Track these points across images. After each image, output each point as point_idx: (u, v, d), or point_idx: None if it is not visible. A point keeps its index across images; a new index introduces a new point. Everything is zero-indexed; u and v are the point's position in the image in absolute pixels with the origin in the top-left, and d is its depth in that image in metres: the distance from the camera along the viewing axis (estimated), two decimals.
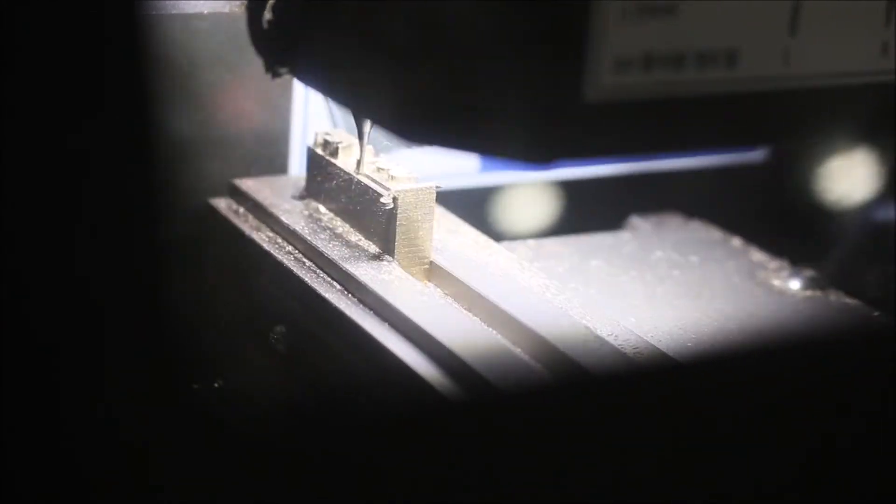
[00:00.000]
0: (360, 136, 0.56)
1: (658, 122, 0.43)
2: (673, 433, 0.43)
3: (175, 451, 0.38)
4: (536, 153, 0.43)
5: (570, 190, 0.73)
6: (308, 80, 0.52)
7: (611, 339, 0.51)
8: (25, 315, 0.36)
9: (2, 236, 0.36)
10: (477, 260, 0.56)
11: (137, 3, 0.36)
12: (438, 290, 0.55)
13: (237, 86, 0.63)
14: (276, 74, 0.52)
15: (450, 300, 0.54)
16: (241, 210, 0.61)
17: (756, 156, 0.77)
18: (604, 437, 0.42)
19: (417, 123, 0.43)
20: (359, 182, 0.57)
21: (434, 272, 0.56)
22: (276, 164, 0.64)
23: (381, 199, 0.55)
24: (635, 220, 0.70)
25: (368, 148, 0.58)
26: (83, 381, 0.37)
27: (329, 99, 0.55)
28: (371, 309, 0.53)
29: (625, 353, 0.50)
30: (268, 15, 0.51)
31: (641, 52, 0.41)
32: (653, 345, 0.51)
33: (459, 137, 0.43)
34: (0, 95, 0.35)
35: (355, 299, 0.54)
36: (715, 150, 0.71)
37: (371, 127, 0.56)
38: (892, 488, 0.45)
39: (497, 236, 0.63)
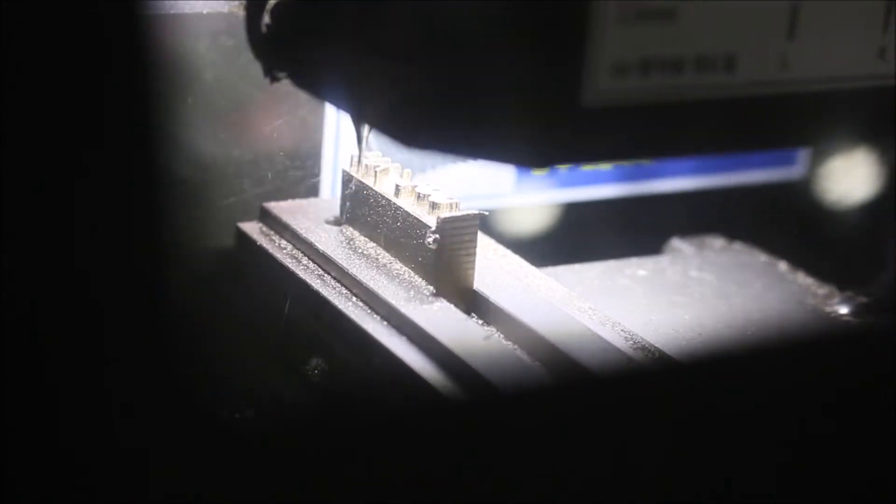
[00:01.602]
0: (358, 140, 0.56)
1: (656, 126, 0.43)
2: (674, 432, 0.43)
3: (175, 450, 0.37)
4: (534, 158, 0.43)
5: (601, 210, 0.71)
6: (306, 86, 0.52)
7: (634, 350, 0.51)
8: (26, 315, 0.36)
9: (4, 237, 0.36)
10: (522, 290, 0.54)
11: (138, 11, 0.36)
12: (482, 322, 0.53)
13: (267, 103, 0.61)
14: (274, 79, 0.52)
15: (497, 334, 0.52)
16: (274, 235, 0.59)
17: (794, 171, 0.76)
18: (604, 436, 0.42)
19: (415, 128, 0.43)
20: (398, 209, 0.55)
21: (478, 302, 0.54)
22: (307, 186, 0.63)
23: (427, 241, 0.53)
24: (676, 243, 0.68)
25: (406, 172, 0.57)
26: (83, 381, 0.37)
27: (325, 103, 0.56)
28: (412, 341, 0.52)
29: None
30: (266, 19, 0.51)
31: (639, 57, 0.41)
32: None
33: (457, 142, 0.43)
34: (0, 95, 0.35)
35: (395, 330, 0.52)
36: (713, 155, 0.70)
37: (369, 131, 0.55)
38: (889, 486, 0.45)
39: (533, 259, 0.61)
